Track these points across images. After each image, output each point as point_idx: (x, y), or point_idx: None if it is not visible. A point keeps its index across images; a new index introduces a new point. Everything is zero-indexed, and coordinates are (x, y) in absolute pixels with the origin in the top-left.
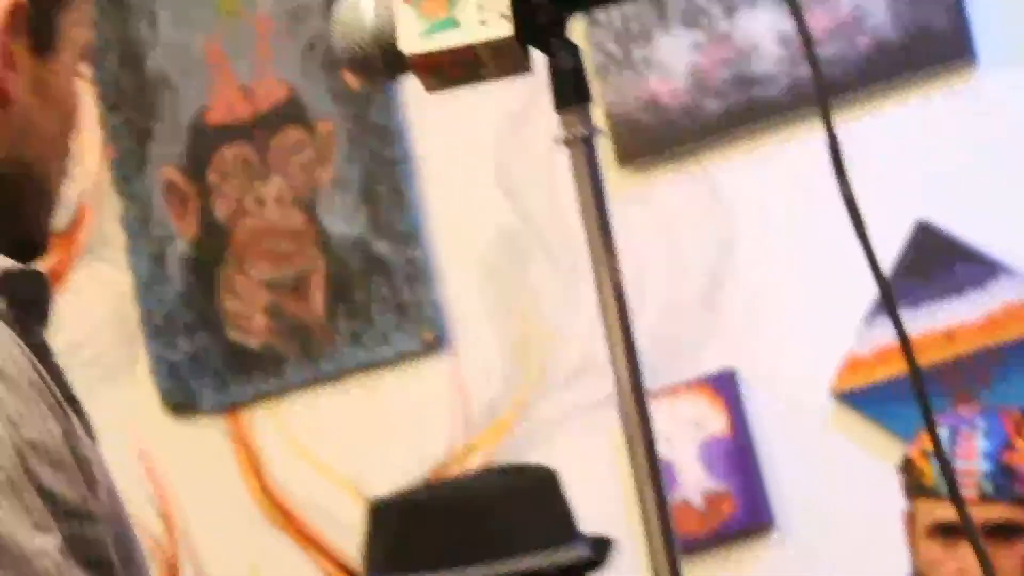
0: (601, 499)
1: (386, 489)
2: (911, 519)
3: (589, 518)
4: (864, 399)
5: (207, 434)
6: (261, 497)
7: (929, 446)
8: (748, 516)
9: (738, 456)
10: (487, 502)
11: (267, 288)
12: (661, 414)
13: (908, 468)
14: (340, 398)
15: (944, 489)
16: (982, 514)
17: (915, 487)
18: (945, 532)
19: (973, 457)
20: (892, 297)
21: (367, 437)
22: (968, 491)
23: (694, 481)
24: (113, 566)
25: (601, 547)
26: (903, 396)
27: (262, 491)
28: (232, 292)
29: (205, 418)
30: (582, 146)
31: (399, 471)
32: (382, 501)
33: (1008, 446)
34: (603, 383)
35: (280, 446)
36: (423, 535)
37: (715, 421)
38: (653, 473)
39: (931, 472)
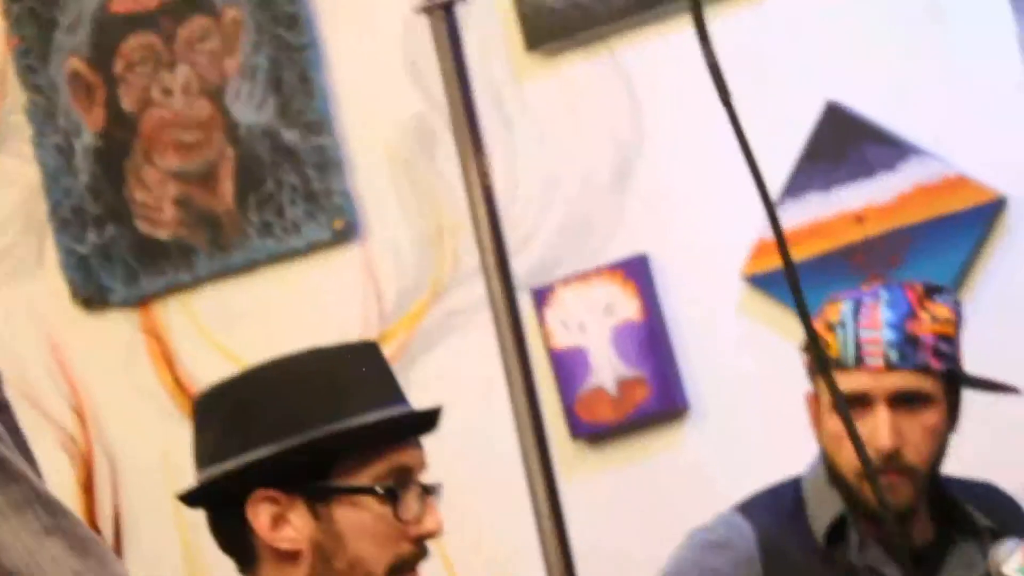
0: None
1: None
2: (814, 398)
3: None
4: (774, 282)
5: (118, 327)
6: (173, 389)
7: (834, 317)
8: (662, 401)
9: (651, 341)
10: (314, 375)
11: (175, 179)
12: (573, 300)
13: (810, 346)
14: (251, 289)
15: (849, 360)
16: (888, 382)
17: (819, 361)
18: (852, 401)
19: (878, 327)
20: (764, 186)
21: (279, 328)
22: (874, 360)
23: (608, 367)
24: None
25: (431, 412)
26: (811, 278)
27: (174, 383)
28: (140, 183)
29: (116, 311)
30: (442, 15)
31: None
32: (205, 392)
33: (912, 315)
34: (515, 269)
35: (192, 338)
36: (252, 416)
37: (627, 306)
38: (525, 373)
39: (836, 344)
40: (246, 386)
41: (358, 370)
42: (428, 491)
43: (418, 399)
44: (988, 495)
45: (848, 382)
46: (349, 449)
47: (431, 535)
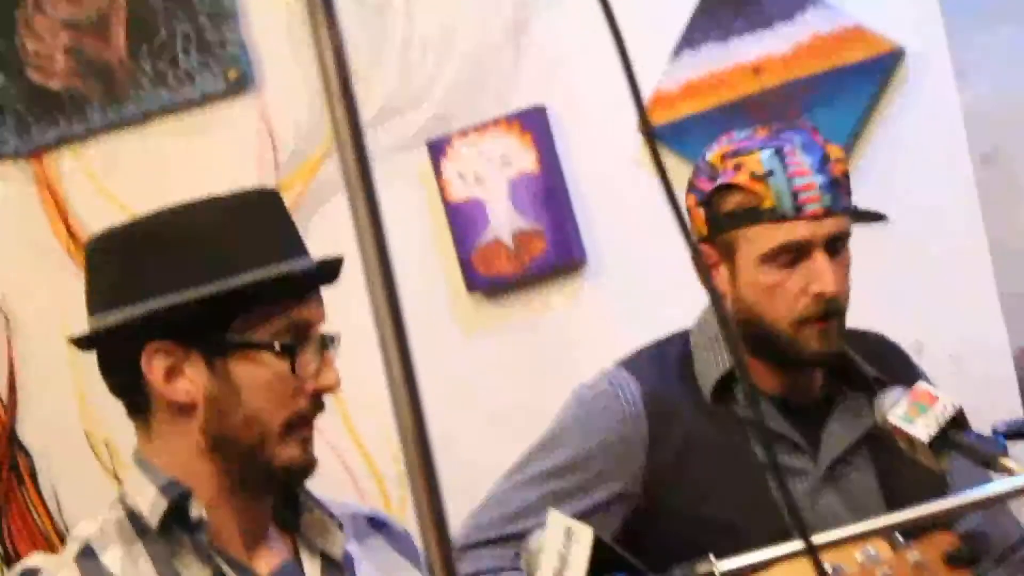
0: (406, 237)
1: None
2: (710, 249)
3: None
4: (671, 134)
5: (11, 178)
6: (67, 241)
7: (759, 168)
8: (559, 254)
9: (548, 194)
10: (213, 225)
11: (67, 28)
12: (470, 152)
13: (720, 199)
14: (145, 140)
15: (788, 210)
16: (825, 228)
17: (746, 216)
18: (789, 251)
19: (807, 173)
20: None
21: (173, 180)
22: (812, 206)
23: (505, 220)
24: None
25: (332, 262)
26: (709, 130)
27: (68, 235)
28: (31, 32)
29: (8, 162)
30: None
31: None
32: (101, 235)
33: (826, 158)
34: (411, 123)
35: (85, 189)
36: (149, 264)
37: (524, 158)
38: (381, 251)
39: (770, 195)
40: (145, 233)
41: (259, 221)
42: (326, 343)
43: (312, 252)
44: (876, 346)
45: (788, 232)
46: (248, 303)
47: (328, 390)
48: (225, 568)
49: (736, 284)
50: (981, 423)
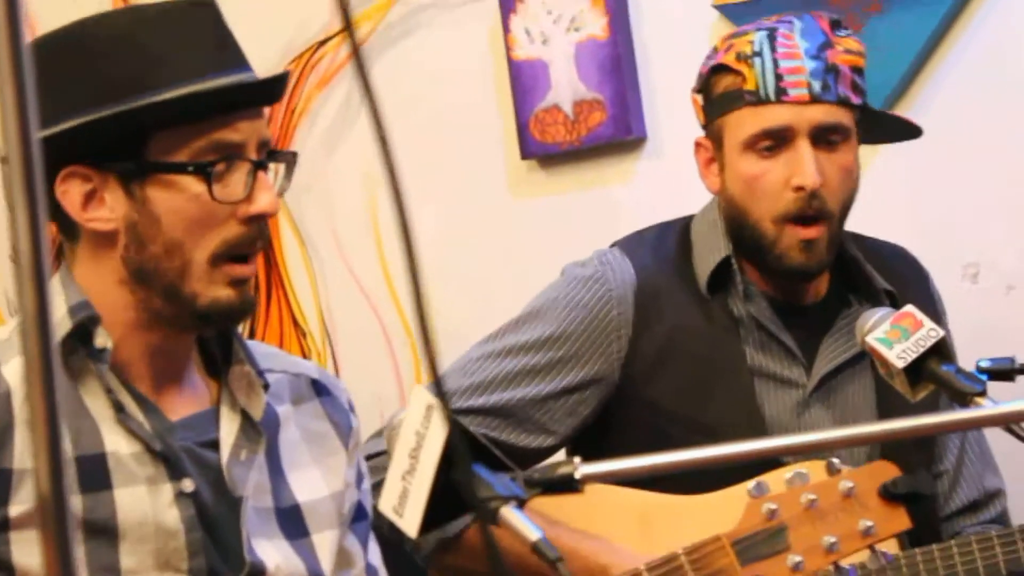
0: (468, 92)
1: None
2: (707, 142)
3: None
4: (745, 13)
5: None
6: None
7: (746, 48)
8: (618, 128)
9: (614, 63)
10: (129, 38)
11: None
12: (540, 10)
13: (712, 82)
14: None
15: (770, 92)
16: (811, 115)
17: (730, 99)
18: (770, 138)
19: (798, 56)
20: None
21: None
22: (797, 91)
23: (566, 86)
24: None
25: (271, 80)
26: (780, 8)
27: None
28: None
29: None
30: None
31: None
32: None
33: (828, 45)
34: None
35: None
36: (61, 83)
37: (594, 23)
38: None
39: (752, 75)
40: (63, 45)
41: (184, 33)
42: (262, 164)
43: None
44: (893, 259)
45: (769, 117)
46: (164, 123)
47: (262, 215)
48: (127, 402)
49: (723, 176)
50: None
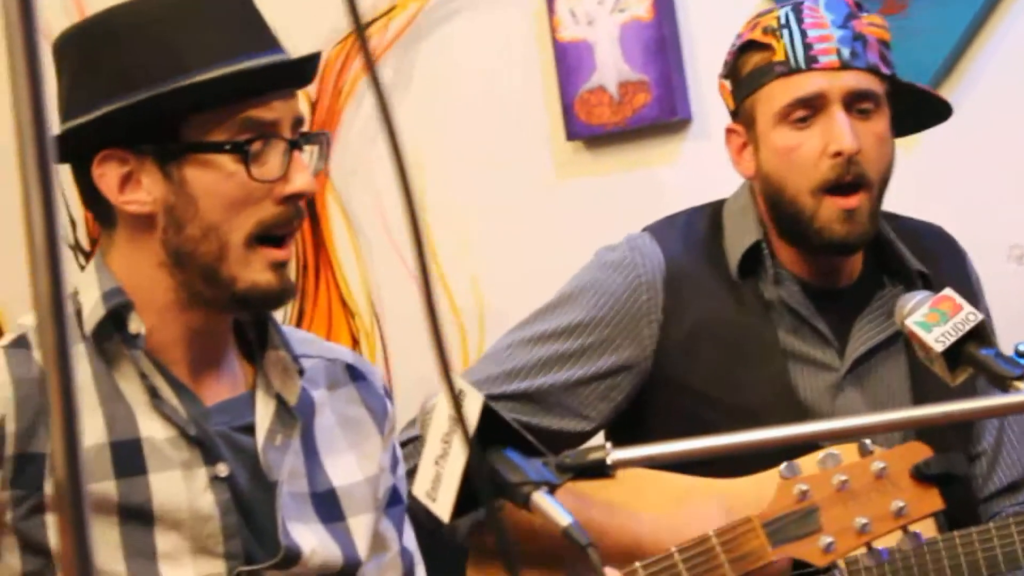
0: (513, 73)
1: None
2: (740, 129)
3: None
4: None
5: None
6: None
7: (772, 22)
8: (663, 109)
9: (659, 45)
10: (163, 22)
11: None
12: None
13: (740, 63)
14: None
15: (800, 60)
16: (843, 81)
17: (760, 74)
18: (804, 107)
19: (825, 25)
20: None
21: None
22: (828, 57)
23: (611, 67)
24: None
25: (303, 60)
26: None
27: None
28: None
29: None
30: None
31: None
32: (59, 36)
33: (854, 15)
34: None
35: None
36: (98, 67)
37: (639, 3)
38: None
39: (781, 47)
40: (98, 32)
41: (215, 16)
42: (297, 144)
43: (416, 75)
44: (930, 239)
45: (800, 85)
46: (199, 105)
47: (299, 195)
48: (162, 387)
49: (758, 157)
50: None
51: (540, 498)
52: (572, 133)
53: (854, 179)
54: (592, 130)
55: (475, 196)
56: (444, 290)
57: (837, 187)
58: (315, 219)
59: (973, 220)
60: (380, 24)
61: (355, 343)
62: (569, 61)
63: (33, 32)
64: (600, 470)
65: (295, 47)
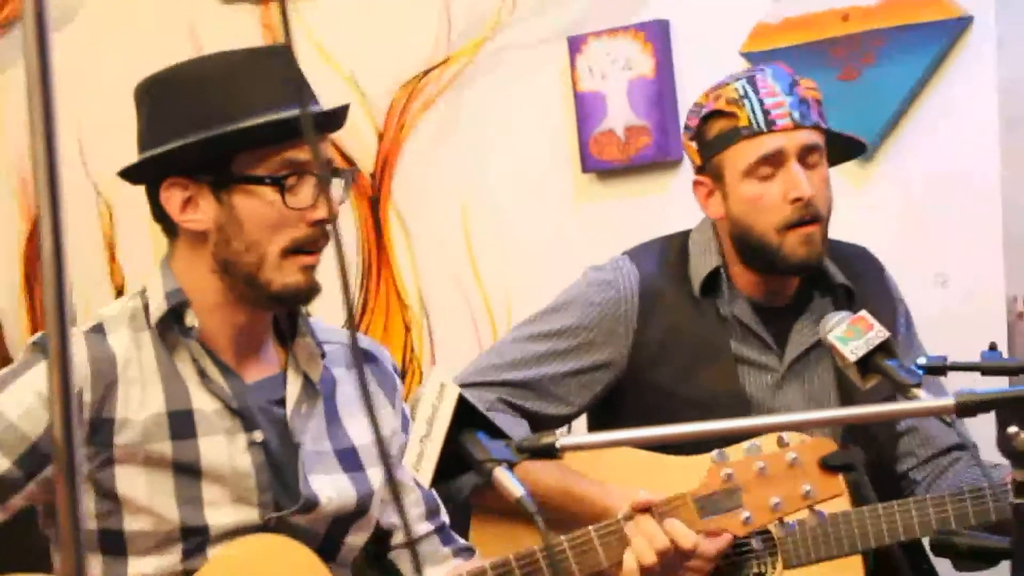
0: (543, 119)
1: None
2: (707, 179)
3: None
4: (764, 60)
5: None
6: None
7: (732, 94)
8: (660, 150)
9: (659, 97)
10: (219, 77)
11: None
12: (600, 51)
13: (705, 128)
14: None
15: (761, 124)
16: (798, 139)
17: (726, 137)
18: (767, 163)
19: (777, 94)
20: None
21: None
22: (783, 120)
23: (620, 114)
24: None
25: (333, 112)
26: (796, 62)
27: None
28: None
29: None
30: None
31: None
32: (141, 83)
33: (796, 83)
34: (565, 16)
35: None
36: (167, 111)
37: (644, 64)
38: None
39: (744, 114)
40: (167, 81)
41: (263, 73)
42: (325, 180)
43: (466, 115)
44: (854, 258)
45: (764, 144)
46: (247, 145)
47: (323, 221)
48: (210, 369)
49: (727, 204)
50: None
51: (500, 473)
52: (587, 167)
53: (811, 216)
54: (603, 165)
55: (508, 216)
56: (481, 295)
57: (798, 223)
58: (378, 228)
59: (906, 250)
60: (435, 73)
61: (407, 330)
62: (586, 108)
63: (48, 74)
64: (549, 452)
65: (366, 87)
